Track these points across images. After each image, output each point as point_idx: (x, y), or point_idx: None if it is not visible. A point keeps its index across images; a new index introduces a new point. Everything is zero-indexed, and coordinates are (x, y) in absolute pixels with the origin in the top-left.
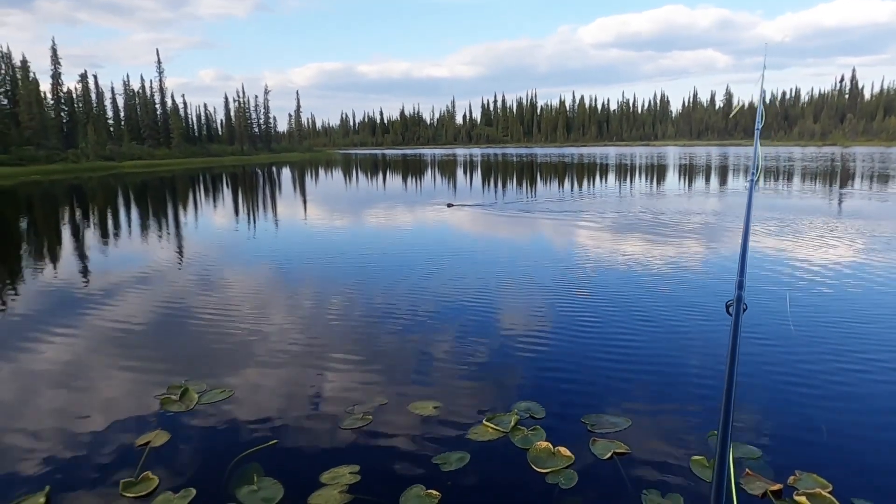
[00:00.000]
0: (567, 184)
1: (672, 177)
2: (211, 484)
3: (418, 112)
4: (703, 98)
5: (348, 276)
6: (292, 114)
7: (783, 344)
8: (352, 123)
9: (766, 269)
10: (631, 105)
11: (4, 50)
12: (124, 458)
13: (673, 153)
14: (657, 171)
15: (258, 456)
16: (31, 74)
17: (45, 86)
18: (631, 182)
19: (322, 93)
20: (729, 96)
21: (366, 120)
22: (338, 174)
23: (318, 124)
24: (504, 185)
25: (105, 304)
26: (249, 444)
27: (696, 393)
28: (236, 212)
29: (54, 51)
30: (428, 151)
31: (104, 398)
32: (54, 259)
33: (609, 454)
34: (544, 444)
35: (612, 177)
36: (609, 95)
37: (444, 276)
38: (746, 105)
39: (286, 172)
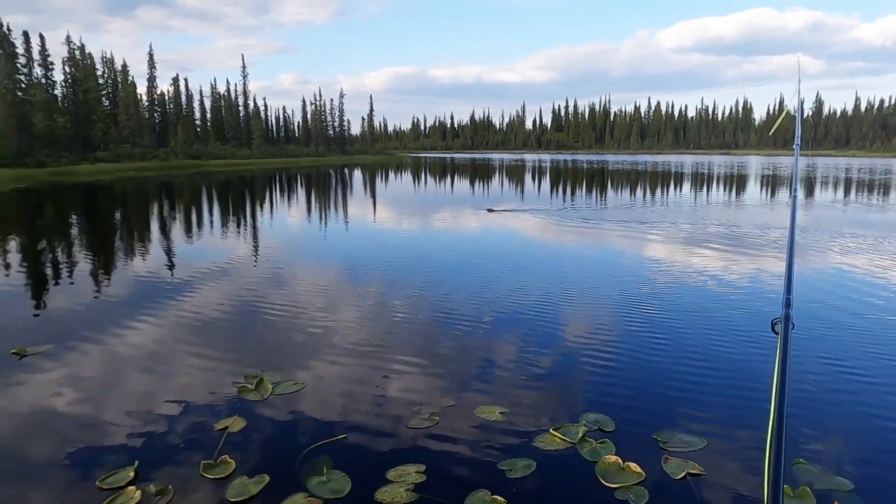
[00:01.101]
0: (639, 192)
1: (752, 187)
2: (283, 472)
3: (488, 116)
4: (791, 105)
5: (412, 277)
6: (365, 117)
7: (873, 373)
8: (422, 127)
9: (854, 290)
10: (710, 112)
11: (108, 55)
12: (204, 440)
13: (755, 162)
14: (736, 181)
15: (327, 448)
16: (130, 78)
17: (142, 88)
18: (707, 192)
19: (395, 97)
20: (819, 103)
21: (436, 124)
22: (407, 177)
23: (390, 127)
24: (572, 192)
25: (187, 293)
26: (319, 437)
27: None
28: (309, 211)
29: (151, 56)
30: (496, 156)
31: (186, 382)
32: (143, 250)
33: (682, 474)
34: (613, 458)
35: (686, 186)
36: (687, 102)
37: (506, 281)
38: (786, 114)
39: (357, 174)
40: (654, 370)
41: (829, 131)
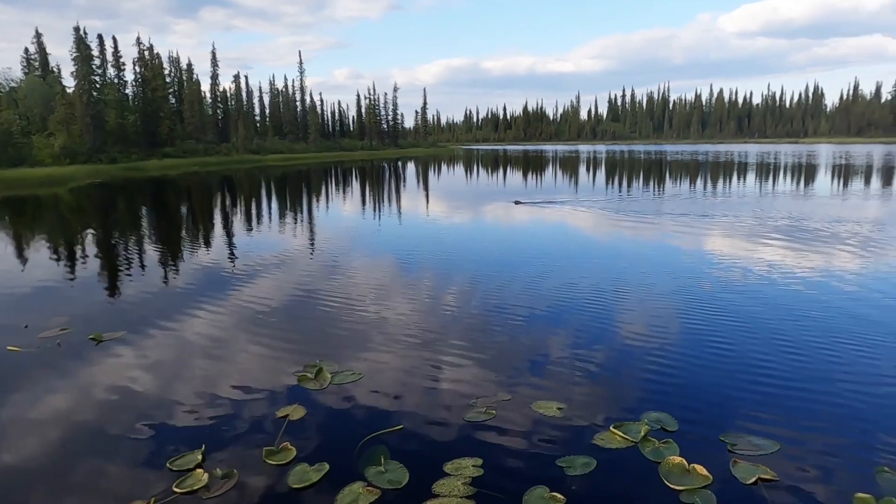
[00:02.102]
0: (699, 183)
1: (823, 178)
2: (342, 460)
3: (541, 108)
4: (867, 90)
5: (464, 269)
6: (418, 110)
7: None
8: (475, 119)
9: None
10: (777, 98)
11: (174, 55)
12: (266, 426)
13: (826, 151)
14: (805, 171)
15: (385, 438)
16: (194, 76)
17: (205, 86)
18: (773, 182)
19: (447, 89)
20: None
21: (489, 116)
22: (458, 169)
23: (443, 120)
24: (628, 183)
25: (248, 283)
26: (377, 427)
27: (858, 423)
28: (363, 204)
29: (213, 54)
30: (550, 147)
31: (248, 369)
32: (206, 242)
33: (753, 479)
34: (678, 459)
35: (750, 176)
36: (752, 88)
37: (558, 276)
38: None
39: (410, 167)
40: (717, 370)
41: None
